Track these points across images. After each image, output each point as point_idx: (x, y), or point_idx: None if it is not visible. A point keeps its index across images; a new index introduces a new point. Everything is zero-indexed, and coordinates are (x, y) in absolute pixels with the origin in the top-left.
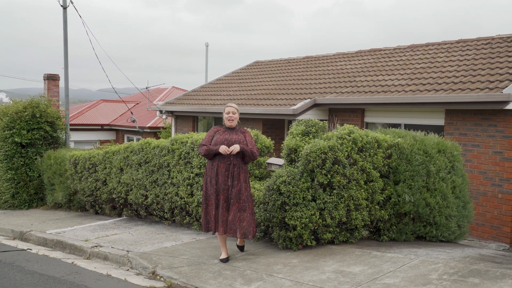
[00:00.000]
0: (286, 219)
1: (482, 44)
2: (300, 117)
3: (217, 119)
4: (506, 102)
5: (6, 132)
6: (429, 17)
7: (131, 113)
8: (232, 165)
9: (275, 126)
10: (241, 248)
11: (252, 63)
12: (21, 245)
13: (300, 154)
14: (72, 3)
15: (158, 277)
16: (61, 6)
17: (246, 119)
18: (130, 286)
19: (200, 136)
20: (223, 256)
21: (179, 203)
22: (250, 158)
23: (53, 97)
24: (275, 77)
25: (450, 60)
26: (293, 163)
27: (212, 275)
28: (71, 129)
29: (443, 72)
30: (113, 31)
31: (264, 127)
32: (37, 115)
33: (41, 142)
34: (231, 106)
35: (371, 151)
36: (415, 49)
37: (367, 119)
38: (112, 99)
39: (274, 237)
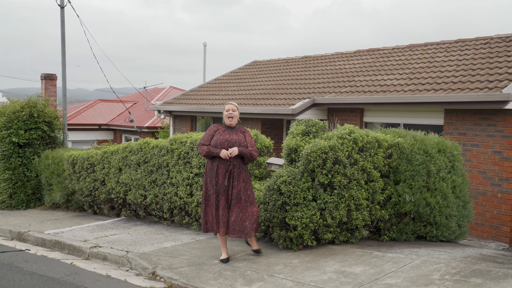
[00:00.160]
0: (287, 219)
1: (481, 44)
2: (299, 117)
3: (216, 119)
4: (506, 102)
5: (4, 132)
6: (427, 17)
7: (129, 113)
8: (232, 166)
9: (274, 126)
10: (258, 251)
11: (251, 62)
12: (19, 245)
13: (300, 154)
14: (69, 2)
15: (158, 278)
16: (59, 5)
17: (245, 119)
18: (130, 287)
19: (199, 136)
20: (224, 256)
21: (178, 203)
22: (249, 160)
23: (50, 96)
24: (273, 77)
25: (449, 60)
26: (294, 163)
27: (212, 276)
28: (69, 129)
29: (442, 72)
30: (110, 30)
31: (263, 127)
32: (35, 115)
33: (38, 142)
34: (231, 104)
35: (372, 151)
36: (414, 49)
37: (366, 118)
38: (109, 99)
39: (275, 237)
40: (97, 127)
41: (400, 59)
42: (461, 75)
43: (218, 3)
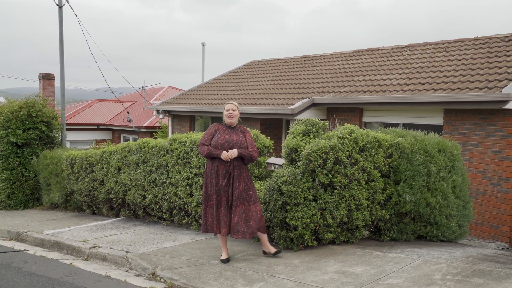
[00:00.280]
0: (287, 219)
1: (480, 43)
2: (298, 117)
3: (215, 119)
4: (506, 102)
5: (2, 132)
6: (425, 18)
7: (128, 112)
8: (232, 167)
9: (273, 125)
10: (276, 253)
11: (249, 62)
12: (18, 246)
13: (301, 154)
14: (67, 2)
15: (158, 278)
16: (57, 5)
17: (243, 119)
18: (130, 287)
19: (198, 136)
20: (224, 256)
21: (178, 203)
22: (249, 161)
23: (48, 96)
24: (272, 77)
25: (448, 60)
26: (294, 163)
27: (213, 276)
28: (67, 129)
29: (442, 72)
30: (108, 30)
31: (262, 127)
32: (33, 115)
33: (37, 142)
34: (231, 103)
35: (372, 150)
36: (413, 49)
37: (366, 118)
38: (108, 99)
39: (275, 237)
40: (96, 127)
41: (399, 59)
42: (460, 75)
43: (215, 3)
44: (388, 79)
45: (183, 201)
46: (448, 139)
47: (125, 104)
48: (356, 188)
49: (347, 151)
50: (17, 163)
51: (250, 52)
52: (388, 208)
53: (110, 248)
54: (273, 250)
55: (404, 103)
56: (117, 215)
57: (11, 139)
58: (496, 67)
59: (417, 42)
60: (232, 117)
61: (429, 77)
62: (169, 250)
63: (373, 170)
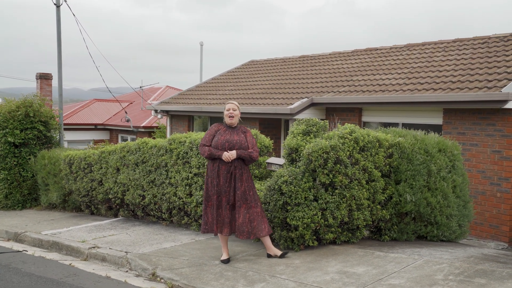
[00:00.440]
0: (288, 219)
1: (479, 43)
2: (297, 117)
3: (213, 119)
4: (505, 101)
5: None
6: (422, 18)
7: (125, 112)
8: (233, 167)
9: (272, 125)
10: (282, 255)
11: (248, 62)
12: (16, 246)
13: (301, 154)
14: (65, 1)
15: (158, 279)
16: (54, 4)
17: (242, 119)
18: None
19: (198, 135)
20: (224, 257)
21: (177, 203)
22: (250, 162)
23: (46, 96)
24: (271, 77)
25: (447, 59)
26: (294, 162)
27: (213, 277)
28: (65, 129)
29: (441, 72)
30: (105, 30)
31: (261, 127)
32: (31, 115)
33: (34, 142)
34: (231, 103)
35: (373, 150)
36: (412, 48)
37: (365, 118)
38: (105, 99)
39: (276, 237)
40: (93, 127)
41: (398, 59)
42: (459, 74)
43: (212, 2)
44: (387, 78)
45: (183, 201)
46: (447, 138)
47: (123, 104)
48: (357, 188)
49: (348, 151)
50: (14, 163)
51: (248, 52)
52: (389, 208)
53: (110, 248)
54: (279, 252)
55: (403, 102)
56: (115, 215)
57: (9, 139)
58: (495, 66)
59: (414, 42)
60: (233, 117)
61: (428, 76)
62: (169, 251)
63: (374, 170)
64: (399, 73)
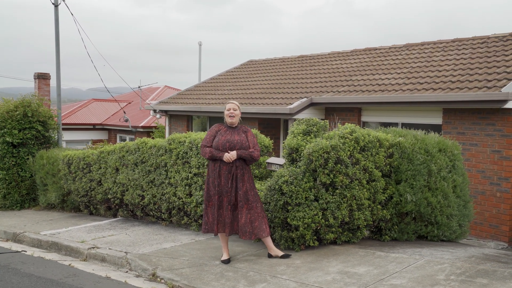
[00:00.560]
0: (289, 220)
1: (478, 43)
2: (296, 116)
3: (212, 119)
4: (505, 101)
5: None
6: (420, 18)
7: (124, 112)
8: (234, 168)
9: (271, 125)
10: (285, 256)
11: (246, 62)
12: (15, 246)
13: (302, 154)
14: (63, 1)
15: (158, 279)
16: (53, 4)
17: (242, 119)
18: None
19: (198, 135)
20: (225, 257)
21: (177, 203)
22: (251, 161)
23: (44, 96)
24: (270, 76)
25: (447, 59)
26: (295, 162)
27: (214, 277)
28: (63, 129)
29: (440, 71)
30: (103, 29)
31: (260, 127)
32: (29, 114)
33: (33, 142)
34: (232, 103)
35: (373, 150)
36: (411, 48)
37: (364, 118)
38: (103, 99)
39: (276, 237)
40: (92, 127)
41: (397, 59)
42: (459, 74)
43: (210, 2)
44: (386, 78)
45: (182, 201)
46: (447, 138)
47: (121, 104)
48: (357, 188)
49: (349, 150)
50: (13, 163)
51: (247, 52)
52: (389, 208)
53: (109, 249)
54: (280, 253)
55: (402, 102)
56: (114, 216)
57: (7, 139)
58: (494, 66)
59: (413, 42)
60: (233, 116)
61: (427, 76)
62: (169, 251)
63: (374, 169)
64: (399, 73)
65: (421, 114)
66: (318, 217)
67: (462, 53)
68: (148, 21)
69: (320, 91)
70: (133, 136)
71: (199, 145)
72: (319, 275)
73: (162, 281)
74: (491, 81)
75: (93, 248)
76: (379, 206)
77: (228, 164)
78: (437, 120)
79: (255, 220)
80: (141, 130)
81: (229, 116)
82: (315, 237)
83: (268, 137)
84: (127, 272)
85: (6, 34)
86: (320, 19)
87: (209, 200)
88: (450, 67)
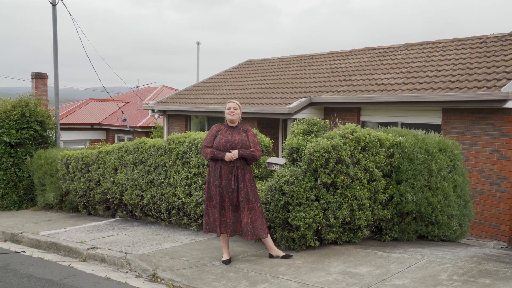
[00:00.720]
0: (289, 220)
1: (477, 43)
2: (295, 116)
3: (211, 118)
4: (504, 101)
5: None
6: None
7: (122, 112)
8: (235, 168)
9: (270, 125)
10: (286, 257)
11: (245, 62)
12: (14, 247)
13: (302, 154)
14: (61, 0)
15: (159, 280)
16: (51, 3)
17: (241, 118)
18: None
19: (197, 135)
20: (225, 257)
21: (176, 203)
22: (252, 161)
23: (41, 96)
24: (268, 76)
25: (446, 59)
26: (295, 162)
27: (215, 277)
28: (61, 129)
29: (439, 71)
30: (100, 29)
31: (259, 127)
32: (27, 114)
33: (30, 142)
34: (233, 102)
35: (374, 150)
36: (410, 48)
37: (363, 118)
38: (101, 98)
39: (277, 237)
40: (89, 127)
41: (396, 58)
42: (458, 74)
43: (207, 2)
44: (385, 78)
45: (182, 201)
46: (447, 138)
47: (119, 104)
48: (358, 188)
49: (349, 150)
50: (10, 163)
51: (244, 52)
52: (390, 208)
53: (109, 249)
54: (281, 253)
55: (402, 102)
56: (113, 216)
57: (5, 138)
58: (494, 66)
59: (411, 41)
60: (234, 115)
61: (426, 76)
62: (169, 251)
63: (375, 169)
64: (398, 73)
65: (420, 114)
66: (319, 217)
67: (461, 53)
68: (145, 21)
69: (319, 91)
70: (131, 136)
71: (198, 145)
72: (321, 275)
73: (163, 281)
74: (490, 80)
75: (92, 248)
76: (379, 206)
77: (229, 164)
78: (437, 120)
79: (256, 220)
80: (139, 130)
81: (230, 115)
82: (316, 237)
83: (268, 137)
84: (127, 272)
85: (5, 34)
86: (317, 19)
87: (210, 200)
88: (449, 67)
